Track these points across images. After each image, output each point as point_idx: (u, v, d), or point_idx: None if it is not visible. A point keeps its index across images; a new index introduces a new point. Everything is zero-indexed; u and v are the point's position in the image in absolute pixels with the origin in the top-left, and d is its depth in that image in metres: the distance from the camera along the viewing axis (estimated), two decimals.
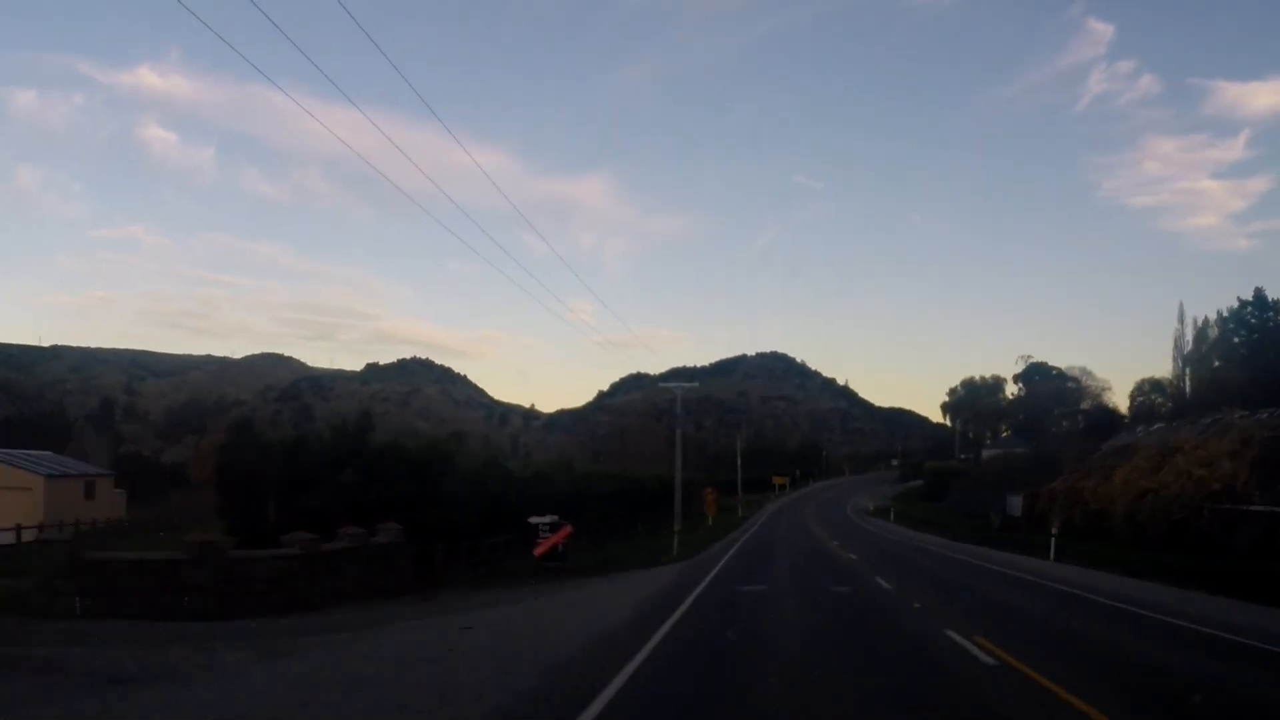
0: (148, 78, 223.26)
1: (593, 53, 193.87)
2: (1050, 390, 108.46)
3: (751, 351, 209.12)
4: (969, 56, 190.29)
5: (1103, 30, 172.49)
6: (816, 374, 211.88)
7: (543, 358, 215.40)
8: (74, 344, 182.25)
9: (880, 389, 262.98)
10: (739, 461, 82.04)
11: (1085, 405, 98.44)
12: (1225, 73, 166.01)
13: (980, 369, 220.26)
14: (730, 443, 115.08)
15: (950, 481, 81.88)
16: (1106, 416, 80.00)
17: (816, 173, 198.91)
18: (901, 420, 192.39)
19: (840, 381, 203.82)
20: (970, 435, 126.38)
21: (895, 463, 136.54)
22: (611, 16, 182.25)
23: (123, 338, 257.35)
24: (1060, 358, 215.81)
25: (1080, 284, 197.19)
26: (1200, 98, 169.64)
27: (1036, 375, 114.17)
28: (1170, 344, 70.06)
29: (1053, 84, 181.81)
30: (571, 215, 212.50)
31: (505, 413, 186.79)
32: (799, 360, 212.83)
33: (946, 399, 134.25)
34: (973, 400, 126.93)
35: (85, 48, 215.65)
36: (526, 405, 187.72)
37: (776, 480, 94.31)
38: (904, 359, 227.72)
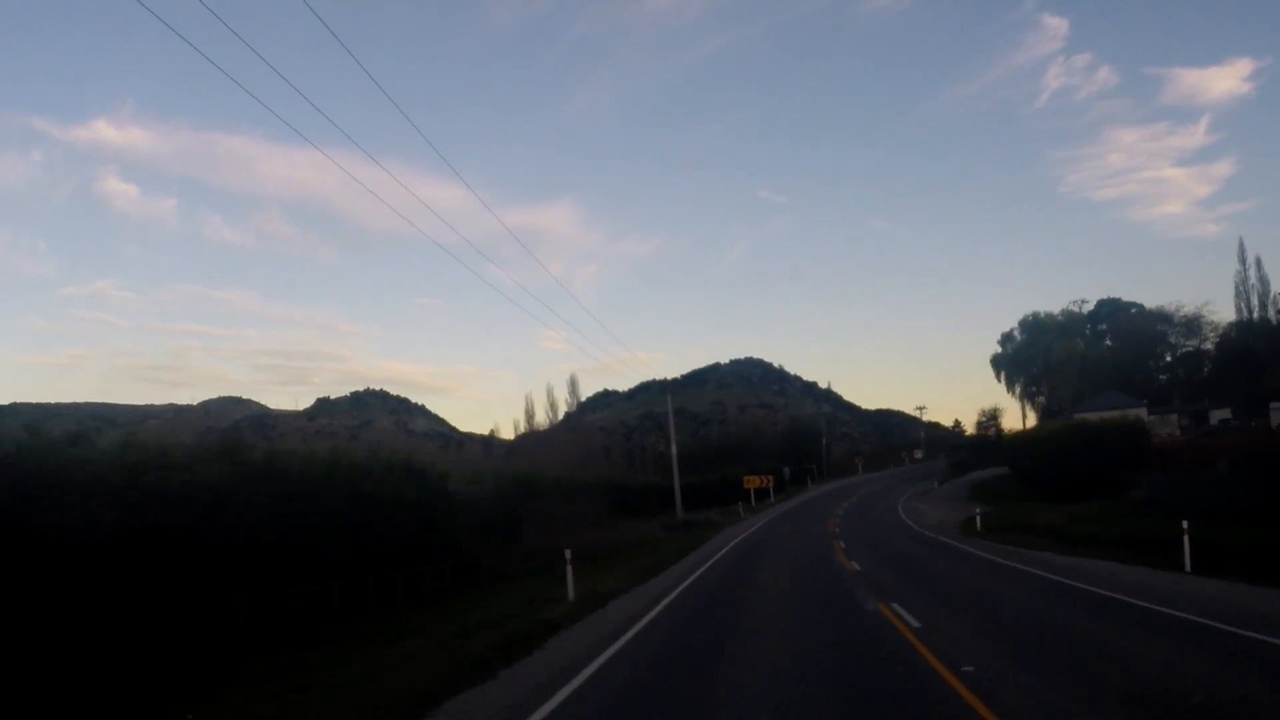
0: (104, 131, 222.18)
1: (546, 80, 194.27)
2: (1138, 330, 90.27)
3: (725, 359, 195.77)
4: (925, 59, 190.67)
5: (1057, 24, 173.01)
6: (796, 378, 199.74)
7: (518, 388, 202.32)
8: (34, 400, 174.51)
9: (865, 392, 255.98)
10: (673, 453, 60.95)
11: (1207, 344, 79.15)
12: (1182, 60, 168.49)
13: (956, 374, 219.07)
14: (704, 448, 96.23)
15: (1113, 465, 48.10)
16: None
17: (780, 187, 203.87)
18: (890, 421, 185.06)
19: (822, 385, 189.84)
20: (1039, 396, 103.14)
21: (918, 453, 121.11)
22: (562, 43, 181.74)
23: (102, 393, 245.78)
24: None
25: (1049, 279, 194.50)
26: (1159, 86, 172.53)
27: (1111, 314, 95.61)
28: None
29: (1011, 81, 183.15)
30: (539, 244, 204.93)
31: (463, 441, 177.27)
32: (776, 365, 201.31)
33: (999, 349, 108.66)
34: (1041, 346, 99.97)
35: (39, 104, 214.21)
36: (487, 433, 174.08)
37: (750, 482, 69.85)
38: (886, 361, 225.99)
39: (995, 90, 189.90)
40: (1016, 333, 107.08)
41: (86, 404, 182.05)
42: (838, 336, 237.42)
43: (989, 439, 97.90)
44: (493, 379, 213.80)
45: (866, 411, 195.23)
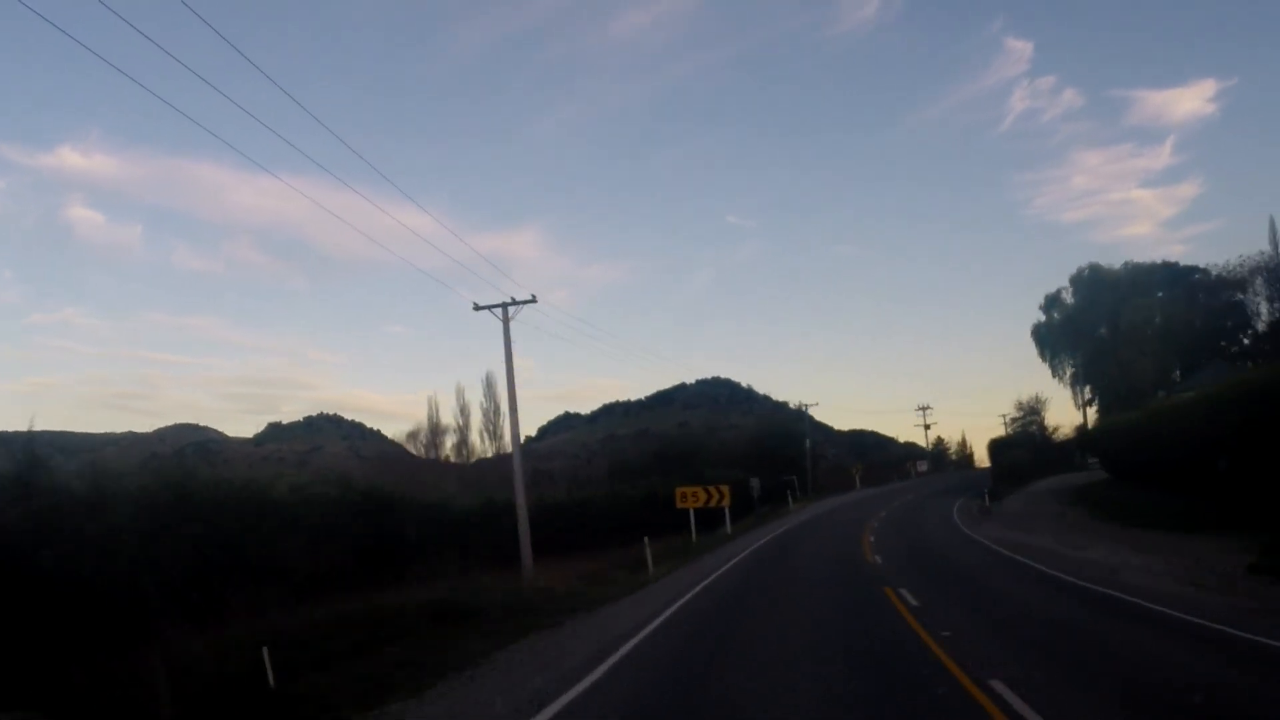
0: (70, 158, 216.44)
1: (514, 106, 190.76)
2: (1212, 294, 65.75)
3: (691, 379, 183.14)
4: (890, 84, 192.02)
5: (1022, 48, 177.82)
6: (766, 398, 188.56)
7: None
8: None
9: (838, 412, 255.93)
10: (515, 458, 34.87)
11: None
12: (1146, 82, 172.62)
13: (920, 396, 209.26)
14: (637, 454, 67.04)
15: None
16: None
17: (748, 212, 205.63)
18: (865, 441, 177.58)
19: (794, 405, 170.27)
20: (1095, 378, 76.07)
21: (923, 465, 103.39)
22: (529, 69, 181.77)
23: (70, 421, 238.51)
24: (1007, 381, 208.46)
25: (1016, 303, 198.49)
26: (1123, 108, 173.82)
27: (1167, 280, 69.06)
28: None
29: (976, 104, 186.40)
30: (509, 269, 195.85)
31: (420, 465, 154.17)
32: (745, 385, 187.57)
33: (1040, 317, 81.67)
34: (1105, 308, 73.54)
35: (3, 131, 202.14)
36: (442, 459, 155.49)
37: (687, 499, 40.42)
38: (859, 383, 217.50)
39: (961, 114, 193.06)
40: (1067, 294, 78.78)
41: (41, 431, 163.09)
42: (809, 359, 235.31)
43: (1035, 437, 69.49)
44: (460, 406, 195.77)
45: (841, 432, 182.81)
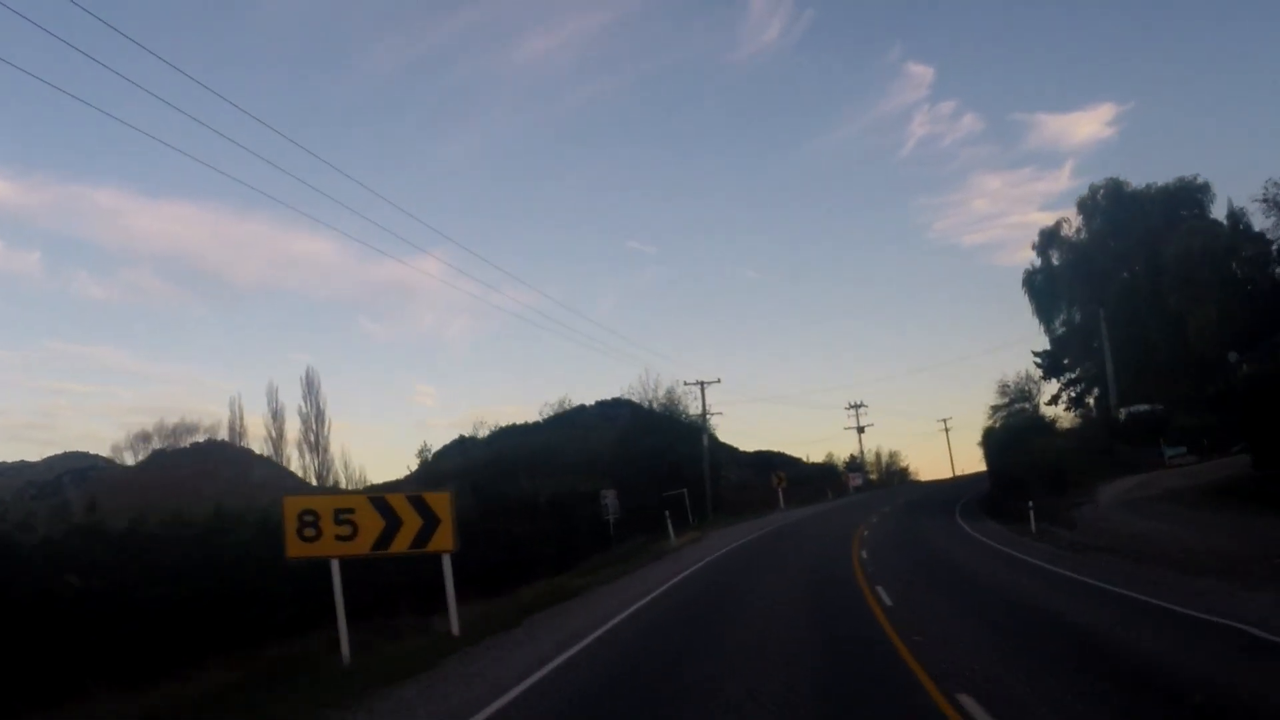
0: None
1: (415, 132, 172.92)
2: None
3: (590, 401, 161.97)
4: (791, 108, 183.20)
5: (922, 73, 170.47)
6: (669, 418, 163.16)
7: (391, 442, 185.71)
8: None
9: (743, 434, 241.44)
10: None
11: None
12: (1045, 106, 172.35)
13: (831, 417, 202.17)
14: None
15: None
16: None
17: (649, 238, 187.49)
18: (772, 462, 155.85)
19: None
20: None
21: (857, 479, 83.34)
22: (427, 97, 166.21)
23: None
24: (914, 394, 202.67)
25: (922, 326, 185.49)
26: (1023, 132, 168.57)
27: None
28: None
29: (877, 129, 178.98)
30: (411, 297, 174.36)
31: (311, 491, 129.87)
32: (646, 406, 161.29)
33: (1034, 261, 59.17)
34: (1136, 236, 51.04)
35: None
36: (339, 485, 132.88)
37: (309, 533, 13.34)
38: (764, 405, 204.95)
39: (862, 139, 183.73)
40: (1072, 225, 55.80)
41: None
42: (717, 376, 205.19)
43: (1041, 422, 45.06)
44: (367, 433, 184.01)
45: (745, 453, 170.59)
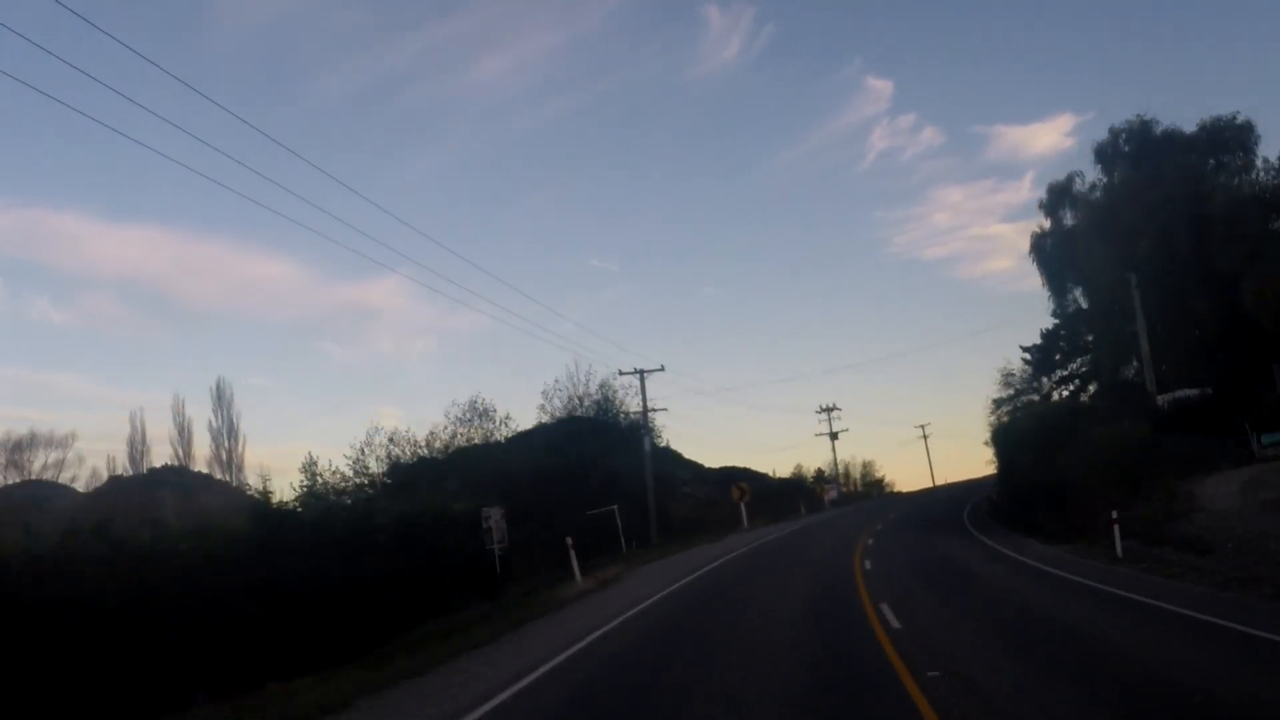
0: None
1: (374, 154, 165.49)
2: None
3: (549, 418, 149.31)
4: (751, 124, 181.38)
5: (882, 87, 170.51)
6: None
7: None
8: None
9: (708, 450, 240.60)
10: None
11: None
12: (1004, 118, 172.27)
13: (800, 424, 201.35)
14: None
15: None
16: None
17: (611, 255, 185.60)
18: (736, 477, 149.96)
19: (661, 444, 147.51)
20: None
21: (833, 493, 73.42)
22: (388, 116, 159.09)
23: None
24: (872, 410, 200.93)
25: (886, 339, 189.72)
26: (983, 144, 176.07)
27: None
28: None
29: (837, 144, 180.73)
30: (372, 319, 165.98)
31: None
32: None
33: (1043, 223, 49.53)
34: (1174, 180, 40.02)
35: None
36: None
37: None
38: (730, 422, 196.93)
39: (822, 153, 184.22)
40: (1087, 180, 46.98)
41: None
42: (678, 394, 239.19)
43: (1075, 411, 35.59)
44: (330, 457, 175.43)
45: (710, 470, 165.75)
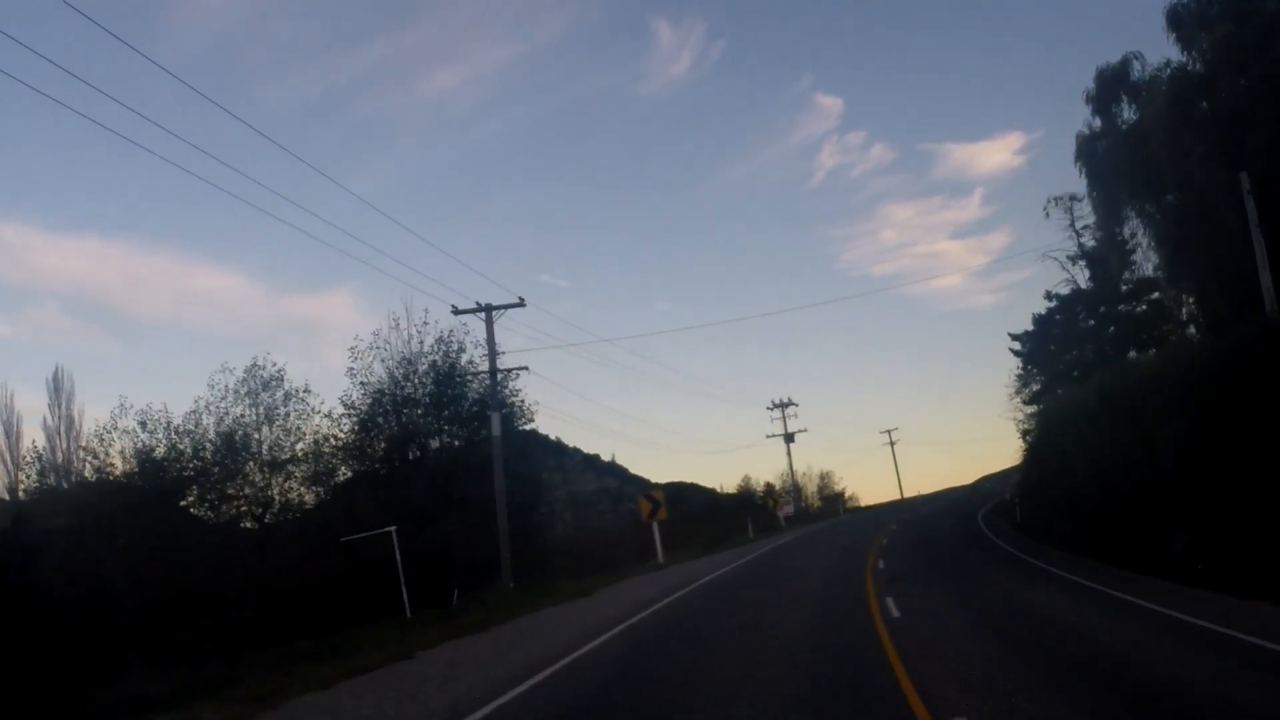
0: None
1: (323, 167, 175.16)
2: None
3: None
4: (701, 140, 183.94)
5: (831, 104, 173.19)
6: (575, 450, 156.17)
7: None
8: None
9: (655, 465, 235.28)
10: None
11: None
12: (954, 135, 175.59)
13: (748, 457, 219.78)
14: None
15: None
16: None
17: (561, 271, 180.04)
18: (684, 494, 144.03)
19: (606, 458, 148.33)
20: None
21: (789, 508, 61.70)
22: (337, 129, 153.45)
23: None
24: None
25: (834, 353, 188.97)
26: (932, 162, 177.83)
27: None
28: None
29: (787, 160, 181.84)
30: (319, 333, 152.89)
31: None
32: (553, 438, 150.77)
33: (1091, 123, 34.55)
34: None
35: None
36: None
37: None
38: (678, 437, 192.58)
39: (772, 170, 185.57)
40: (1144, 65, 32.92)
41: None
42: (628, 410, 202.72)
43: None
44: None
45: (658, 485, 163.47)
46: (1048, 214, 51.66)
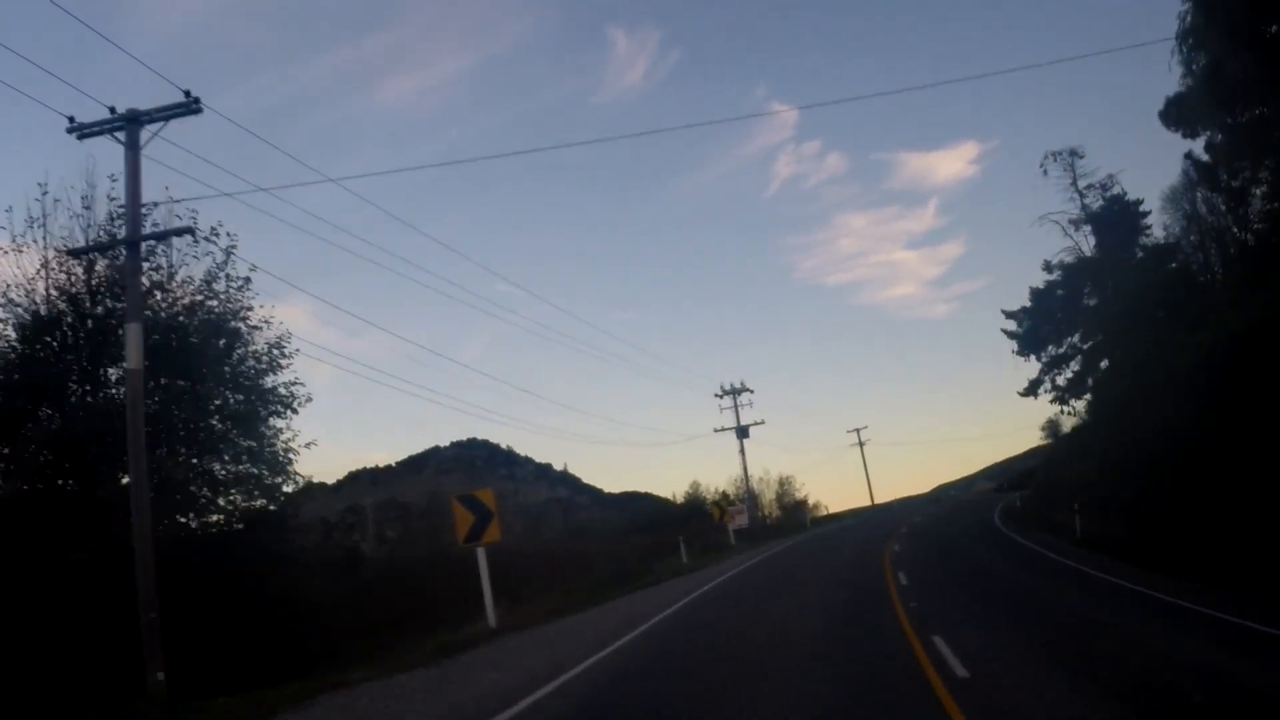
0: None
1: (281, 175, 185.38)
2: None
3: (445, 441, 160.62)
4: (658, 149, 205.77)
5: (787, 114, 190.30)
6: (528, 460, 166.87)
7: None
8: None
9: (608, 475, 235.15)
10: None
11: None
12: (909, 145, 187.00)
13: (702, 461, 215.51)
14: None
15: None
16: None
17: (519, 279, 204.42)
18: (637, 505, 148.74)
19: (558, 467, 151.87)
20: None
21: (742, 519, 48.10)
22: (296, 137, 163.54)
23: None
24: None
25: (791, 362, 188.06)
26: (887, 172, 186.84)
27: None
28: None
29: (743, 170, 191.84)
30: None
31: None
32: (505, 447, 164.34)
33: (1181, 75, 25.95)
34: None
35: None
36: None
37: None
38: (633, 448, 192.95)
39: (729, 179, 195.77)
40: None
41: None
42: (583, 419, 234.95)
43: None
44: None
45: (610, 495, 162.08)
46: (1045, 171, 44.92)
